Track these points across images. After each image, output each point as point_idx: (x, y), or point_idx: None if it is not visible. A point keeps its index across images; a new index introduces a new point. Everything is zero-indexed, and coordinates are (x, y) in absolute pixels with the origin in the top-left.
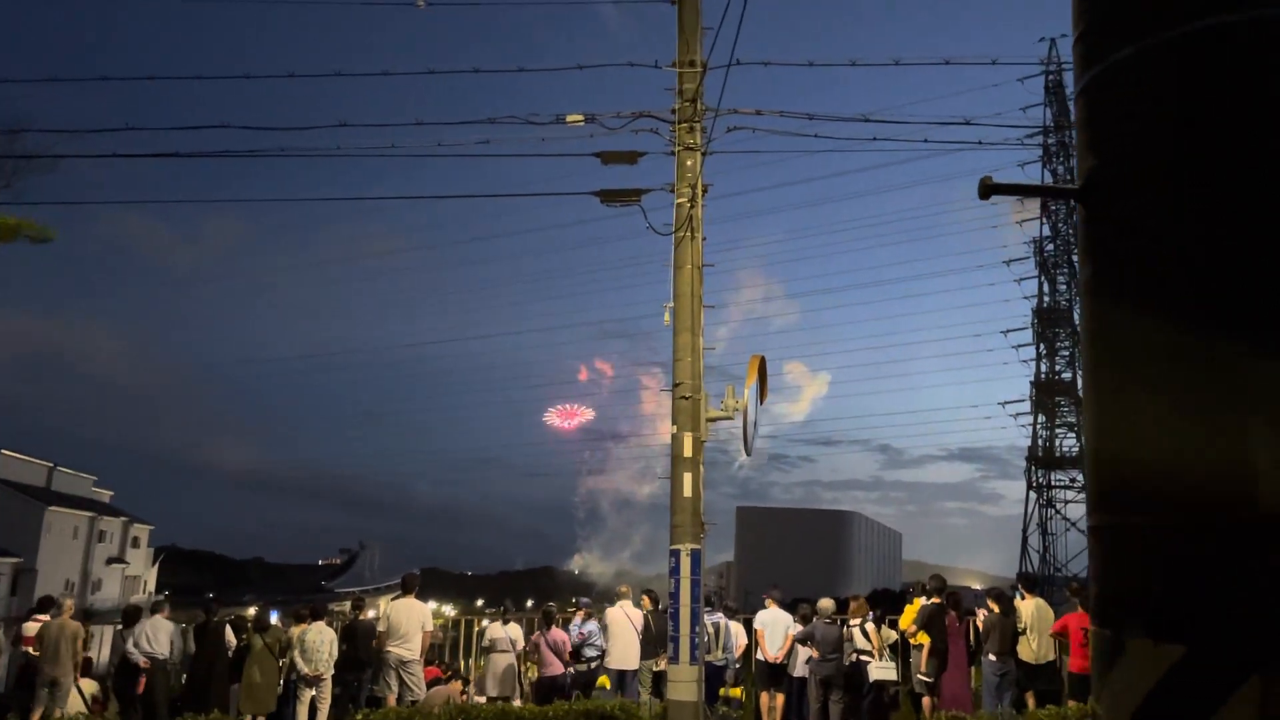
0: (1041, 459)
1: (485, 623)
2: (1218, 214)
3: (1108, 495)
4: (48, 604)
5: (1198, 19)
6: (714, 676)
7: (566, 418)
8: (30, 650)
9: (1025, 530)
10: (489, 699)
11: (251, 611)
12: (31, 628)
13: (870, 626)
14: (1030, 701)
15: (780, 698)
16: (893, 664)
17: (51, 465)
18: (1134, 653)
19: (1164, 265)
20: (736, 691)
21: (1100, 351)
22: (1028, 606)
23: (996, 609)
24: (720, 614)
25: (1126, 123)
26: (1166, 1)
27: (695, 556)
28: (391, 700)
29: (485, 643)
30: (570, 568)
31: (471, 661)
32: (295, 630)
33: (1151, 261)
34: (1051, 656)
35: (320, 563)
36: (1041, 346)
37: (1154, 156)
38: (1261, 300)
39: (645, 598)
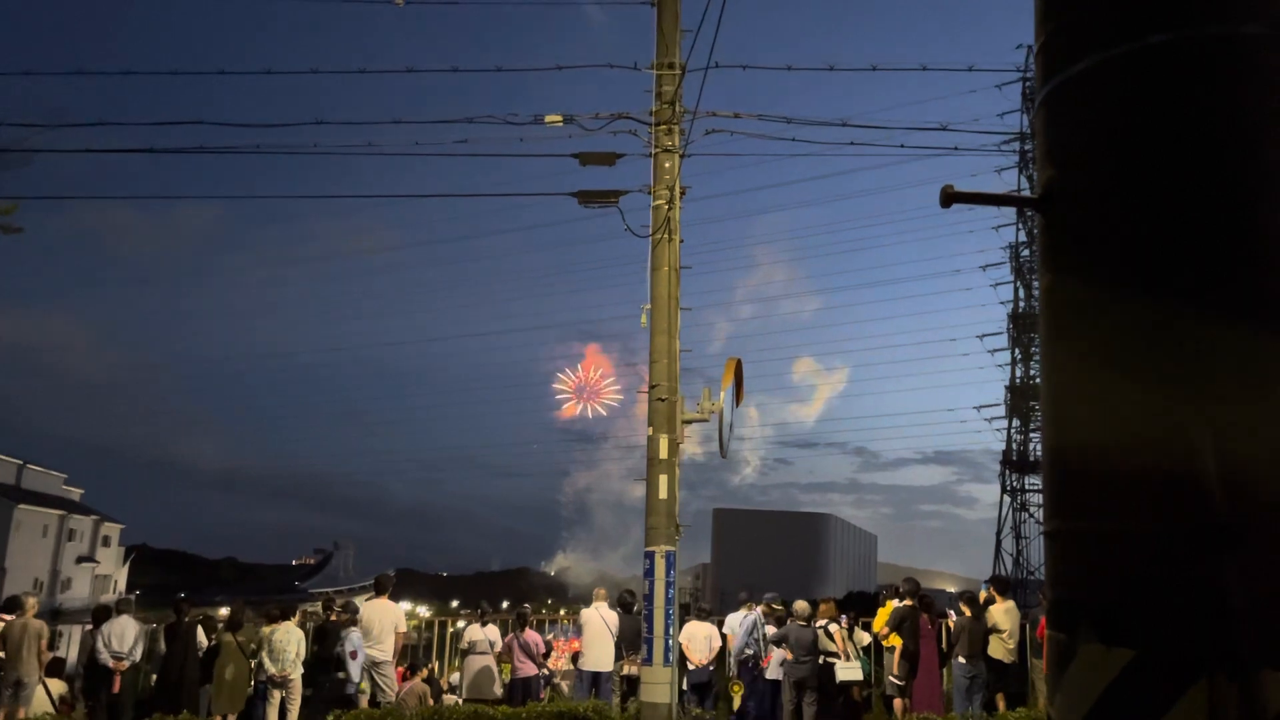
0: (1015, 463)
1: (462, 624)
2: (1172, 225)
3: (1063, 500)
4: (14, 604)
5: (1155, 34)
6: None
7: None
8: None
9: (999, 533)
10: (466, 700)
11: (223, 612)
12: None
13: (834, 628)
14: (1000, 703)
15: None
16: (858, 664)
17: (21, 462)
18: (1086, 657)
19: (1118, 276)
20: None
21: (1057, 359)
22: (999, 609)
23: (968, 612)
24: (756, 611)
25: (1084, 133)
26: (1125, 15)
27: (670, 558)
28: (363, 701)
29: (464, 644)
30: (546, 569)
31: (446, 663)
32: (265, 630)
33: (1106, 272)
34: (1018, 657)
35: (294, 563)
36: (1016, 351)
37: (1110, 168)
38: (1213, 311)
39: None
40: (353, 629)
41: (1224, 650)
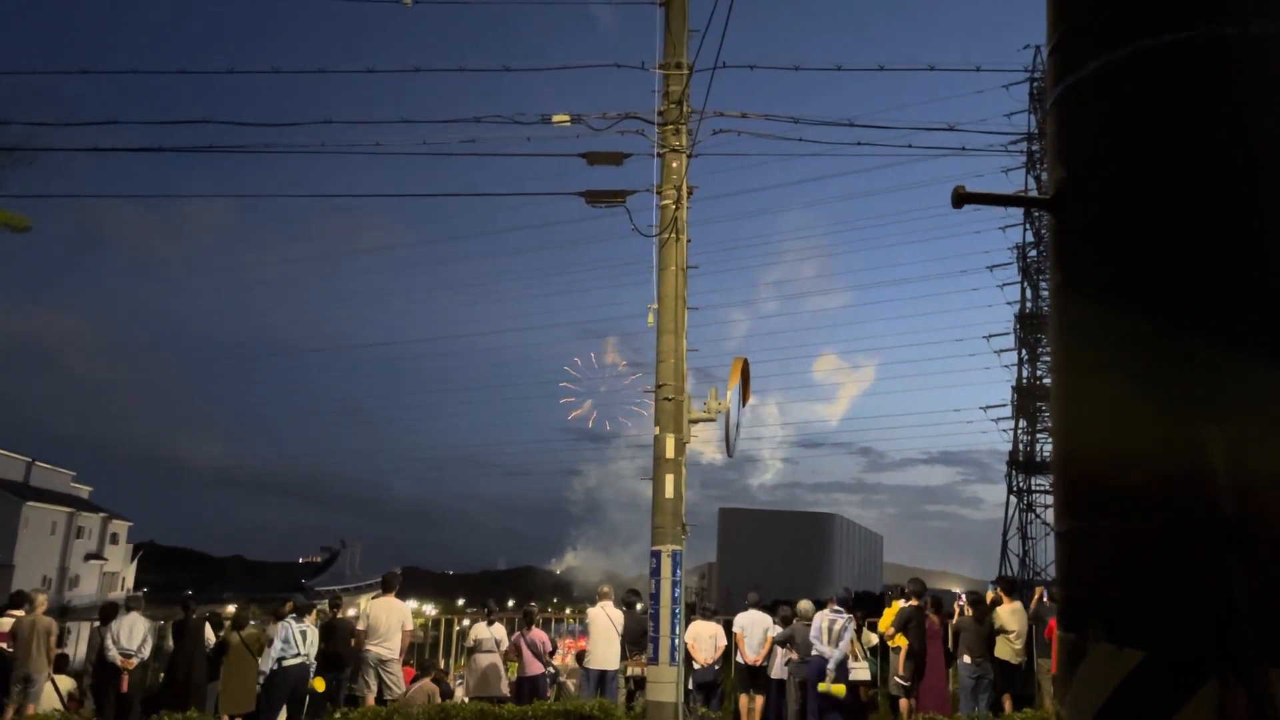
0: (1022, 463)
1: (468, 622)
2: (1181, 225)
3: (1074, 500)
4: (21, 599)
5: (1166, 34)
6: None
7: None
8: (4, 647)
9: (1005, 534)
10: (472, 698)
11: (230, 609)
12: (5, 623)
13: None
14: (1007, 704)
15: (760, 700)
16: (866, 664)
17: (30, 460)
18: (1096, 656)
19: (1128, 275)
20: (839, 689)
21: (1067, 359)
22: (1006, 610)
23: (970, 611)
24: (837, 612)
25: (1096, 134)
26: (1136, 16)
27: (676, 558)
28: (370, 699)
29: (470, 642)
30: (551, 567)
31: (452, 661)
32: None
33: (1116, 271)
34: (1025, 658)
35: (301, 560)
36: (1023, 352)
37: (1121, 168)
38: (1222, 309)
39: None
40: (290, 619)
41: (1233, 650)
